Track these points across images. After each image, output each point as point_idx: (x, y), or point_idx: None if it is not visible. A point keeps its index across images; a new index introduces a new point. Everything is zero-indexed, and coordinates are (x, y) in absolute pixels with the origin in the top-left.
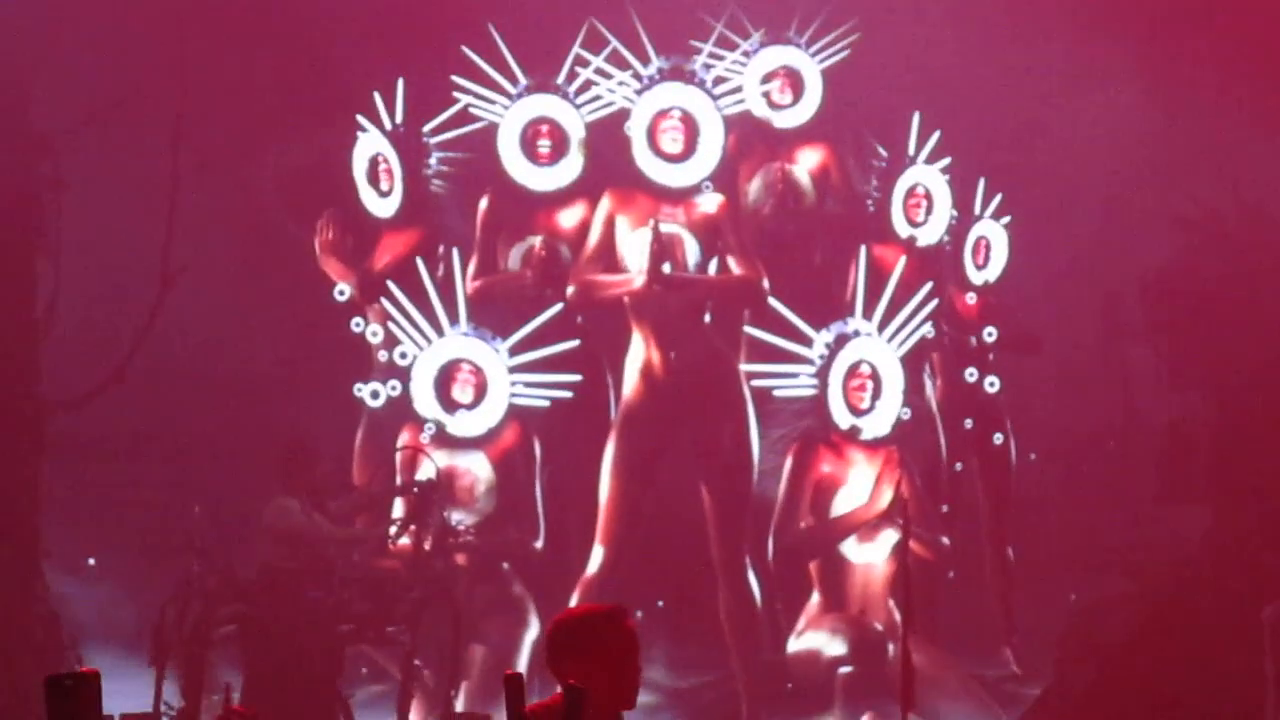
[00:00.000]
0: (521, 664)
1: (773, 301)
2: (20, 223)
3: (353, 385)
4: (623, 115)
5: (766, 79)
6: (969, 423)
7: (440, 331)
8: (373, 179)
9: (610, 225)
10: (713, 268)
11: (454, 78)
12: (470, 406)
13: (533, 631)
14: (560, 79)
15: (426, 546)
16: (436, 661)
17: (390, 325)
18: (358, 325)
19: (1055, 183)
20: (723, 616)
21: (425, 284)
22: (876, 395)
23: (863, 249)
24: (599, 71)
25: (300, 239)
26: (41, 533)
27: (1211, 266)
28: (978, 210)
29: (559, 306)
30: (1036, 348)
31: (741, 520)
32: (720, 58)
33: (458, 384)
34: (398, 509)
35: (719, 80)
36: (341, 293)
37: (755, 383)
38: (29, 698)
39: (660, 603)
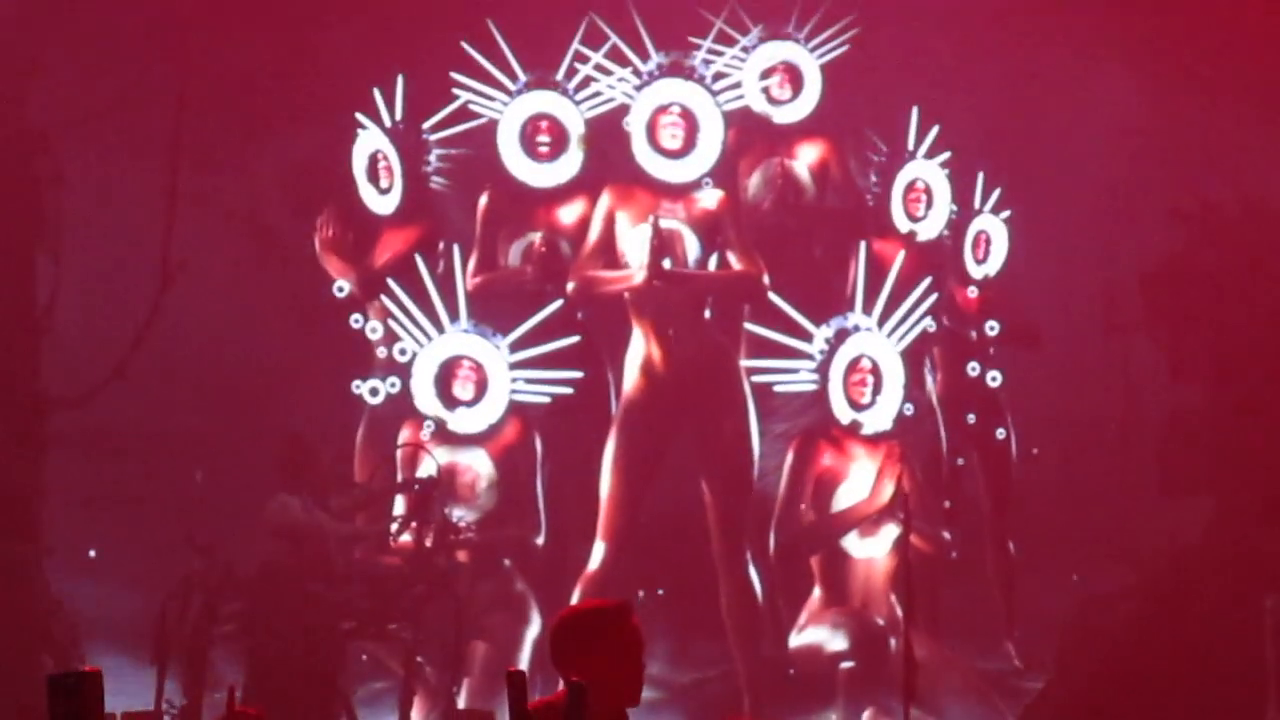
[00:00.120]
0: (523, 660)
1: (773, 297)
2: (21, 220)
3: (353, 382)
4: (622, 111)
5: (766, 74)
6: (971, 417)
7: (440, 328)
8: (372, 176)
9: (610, 221)
10: (713, 263)
11: (453, 74)
12: (471, 403)
13: (534, 628)
14: (560, 75)
15: (428, 543)
16: (438, 658)
17: (390, 322)
18: (357, 322)
19: (1055, 176)
20: (724, 612)
21: (425, 280)
22: (877, 390)
23: (863, 244)
24: (598, 67)
25: (300, 236)
26: (42, 530)
27: (1211, 259)
28: (978, 204)
29: (559, 302)
30: (1037, 341)
31: (742, 516)
32: (720, 53)
33: (458, 380)
34: (399, 506)
35: (719, 76)
36: (341, 289)
37: (756, 378)
38: (30, 696)
39: (660, 591)
